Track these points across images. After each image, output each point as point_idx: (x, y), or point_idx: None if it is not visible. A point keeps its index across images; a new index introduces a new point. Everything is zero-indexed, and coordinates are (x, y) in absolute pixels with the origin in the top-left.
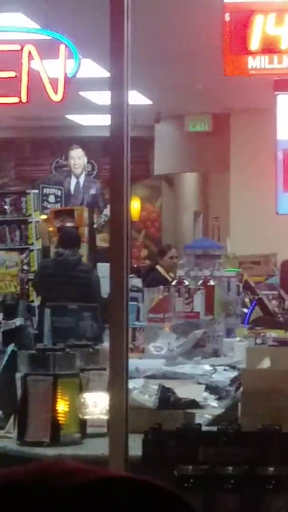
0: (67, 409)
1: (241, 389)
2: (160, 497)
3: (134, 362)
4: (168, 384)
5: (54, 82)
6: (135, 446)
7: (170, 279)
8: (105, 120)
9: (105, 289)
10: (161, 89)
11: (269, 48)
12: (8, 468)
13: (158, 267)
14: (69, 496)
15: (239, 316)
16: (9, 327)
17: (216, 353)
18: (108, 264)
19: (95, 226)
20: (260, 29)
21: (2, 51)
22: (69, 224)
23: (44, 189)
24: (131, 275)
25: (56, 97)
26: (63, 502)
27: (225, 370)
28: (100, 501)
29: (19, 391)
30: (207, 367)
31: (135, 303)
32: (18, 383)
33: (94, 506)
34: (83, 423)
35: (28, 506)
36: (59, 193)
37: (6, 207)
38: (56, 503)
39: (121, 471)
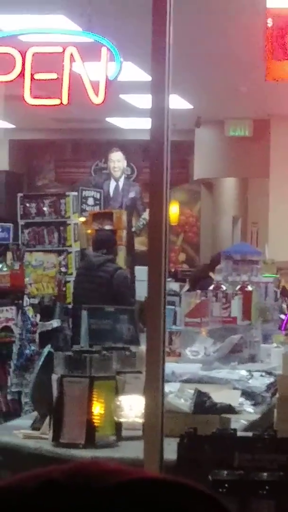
0: (102, 412)
1: (277, 395)
2: (197, 499)
3: (170, 366)
4: (204, 388)
5: (95, 85)
6: (170, 450)
7: None
8: (145, 123)
9: (143, 292)
10: (202, 93)
11: None
12: (43, 467)
13: (212, 274)
14: (109, 496)
15: (276, 322)
16: (46, 328)
17: (252, 359)
18: (146, 268)
19: (133, 229)
20: None
21: (44, 53)
22: (107, 227)
23: (83, 192)
24: (169, 279)
25: (97, 100)
26: (103, 502)
27: (261, 376)
28: (140, 502)
29: (55, 393)
30: (244, 373)
31: (172, 307)
32: (54, 385)
33: (133, 507)
34: (118, 426)
35: (68, 506)
36: (98, 195)
37: (45, 208)
38: (96, 503)
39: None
